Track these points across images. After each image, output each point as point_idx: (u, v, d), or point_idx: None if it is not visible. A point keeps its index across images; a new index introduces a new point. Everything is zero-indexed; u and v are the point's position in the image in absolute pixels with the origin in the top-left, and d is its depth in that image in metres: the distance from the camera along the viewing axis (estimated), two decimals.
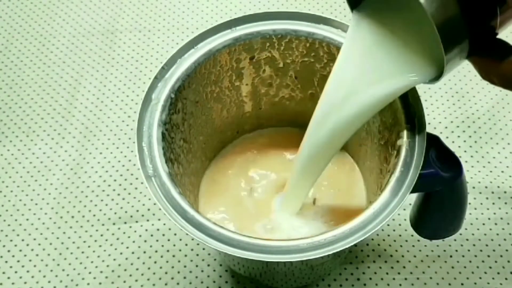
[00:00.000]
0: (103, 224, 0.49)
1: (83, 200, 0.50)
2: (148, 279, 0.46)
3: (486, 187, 0.50)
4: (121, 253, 0.47)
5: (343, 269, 0.46)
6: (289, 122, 0.47)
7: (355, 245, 0.33)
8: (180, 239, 0.48)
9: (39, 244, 0.48)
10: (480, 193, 0.49)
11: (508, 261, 0.46)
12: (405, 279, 0.46)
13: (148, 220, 0.49)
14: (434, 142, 0.36)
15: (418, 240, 0.47)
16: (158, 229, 0.48)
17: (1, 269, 0.47)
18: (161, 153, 0.36)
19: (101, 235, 0.48)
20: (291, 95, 0.45)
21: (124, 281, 0.46)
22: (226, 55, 0.40)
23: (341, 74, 0.35)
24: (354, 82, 0.34)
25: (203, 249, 0.47)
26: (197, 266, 0.47)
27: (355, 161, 0.45)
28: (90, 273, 0.47)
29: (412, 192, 0.34)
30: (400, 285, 0.46)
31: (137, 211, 0.49)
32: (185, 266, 0.47)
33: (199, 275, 0.46)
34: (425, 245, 0.47)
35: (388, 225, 0.48)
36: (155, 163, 0.36)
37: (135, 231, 0.48)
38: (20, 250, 0.48)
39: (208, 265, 0.47)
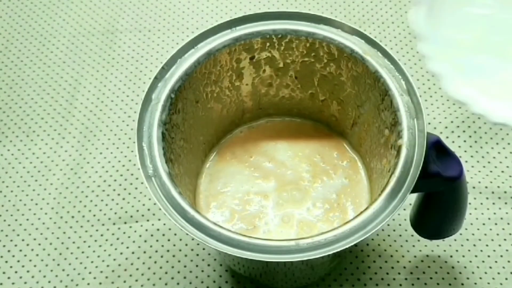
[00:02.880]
0: (103, 224, 0.49)
1: (83, 200, 0.50)
2: (148, 279, 0.46)
3: (486, 187, 0.50)
4: (121, 253, 0.47)
5: (343, 269, 0.46)
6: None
7: (355, 245, 0.33)
8: (180, 239, 0.48)
9: (39, 244, 0.48)
10: (480, 193, 0.49)
11: (508, 261, 0.46)
12: (406, 279, 0.46)
13: (148, 220, 0.49)
14: (434, 142, 0.36)
15: (419, 240, 0.47)
16: (158, 229, 0.48)
17: (1, 269, 0.47)
18: (161, 153, 0.36)
19: (101, 235, 0.48)
20: (291, 95, 0.45)
21: (124, 281, 0.46)
22: (226, 55, 0.40)
23: None
24: None
25: (203, 249, 0.47)
26: (197, 266, 0.47)
27: (360, 161, 0.45)
28: (90, 273, 0.47)
29: (412, 192, 0.34)
30: (401, 285, 0.45)
31: (137, 211, 0.49)
32: (185, 266, 0.47)
33: (199, 275, 0.46)
34: (426, 245, 0.47)
35: (388, 225, 0.48)
36: (155, 163, 0.36)
37: (135, 231, 0.48)
38: (20, 250, 0.48)
39: (208, 265, 0.47)
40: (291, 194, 0.43)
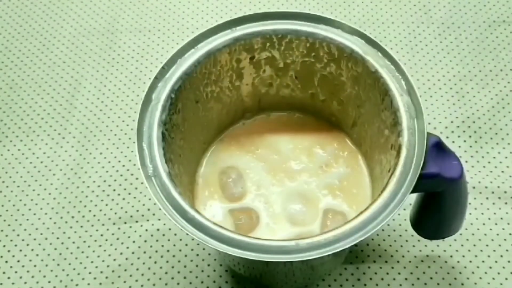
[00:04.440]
0: (103, 224, 0.49)
1: (83, 200, 0.50)
2: (148, 279, 0.46)
3: (486, 187, 0.50)
4: (121, 253, 0.47)
5: (343, 269, 0.46)
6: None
7: (356, 245, 0.33)
8: (180, 239, 0.48)
9: (39, 244, 0.48)
10: (480, 193, 0.49)
11: (508, 261, 0.46)
12: (406, 279, 0.46)
13: (148, 220, 0.49)
14: (434, 142, 0.36)
15: (419, 240, 0.47)
16: (158, 229, 0.48)
17: (1, 269, 0.47)
18: (161, 153, 0.36)
19: (101, 235, 0.48)
20: (291, 95, 0.45)
21: (125, 281, 0.46)
22: (226, 55, 0.40)
23: None
24: None
25: (203, 249, 0.47)
26: (197, 266, 0.47)
27: (360, 155, 0.45)
28: (90, 273, 0.47)
29: (412, 192, 0.34)
30: (401, 285, 0.45)
31: (137, 211, 0.49)
32: (185, 266, 0.47)
33: (199, 275, 0.46)
34: (426, 245, 0.47)
35: (388, 225, 0.48)
36: (155, 163, 0.36)
37: (135, 231, 0.48)
38: (20, 250, 0.48)
39: (208, 265, 0.47)
40: (293, 185, 0.43)
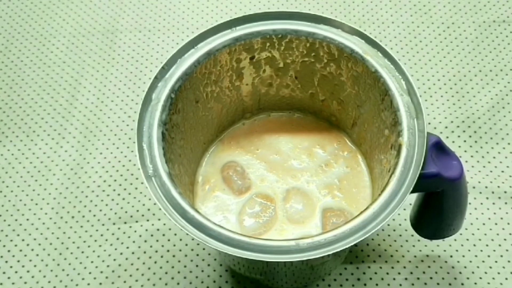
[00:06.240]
0: (103, 224, 0.49)
1: (83, 200, 0.50)
2: (148, 279, 0.46)
3: (486, 187, 0.50)
4: (121, 253, 0.47)
5: (343, 269, 0.46)
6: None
7: (356, 245, 0.33)
8: (180, 239, 0.48)
9: (39, 244, 0.48)
10: (480, 193, 0.49)
11: (508, 261, 0.46)
12: (406, 279, 0.46)
13: (148, 220, 0.49)
14: (434, 142, 0.36)
15: (419, 240, 0.47)
16: (158, 229, 0.48)
17: (1, 269, 0.47)
18: (161, 153, 0.36)
19: (101, 235, 0.48)
20: (291, 95, 0.45)
21: (125, 281, 0.46)
22: (226, 55, 0.40)
23: None
24: None
25: (203, 249, 0.47)
26: (197, 266, 0.47)
27: (360, 155, 0.45)
28: (90, 273, 0.47)
29: (412, 192, 0.34)
30: (401, 285, 0.46)
31: (137, 211, 0.49)
32: (185, 266, 0.47)
33: (199, 275, 0.46)
34: (426, 245, 0.47)
35: (388, 225, 0.48)
36: (155, 163, 0.36)
37: (135, 231, 0.48)
38: (20, 250, 0.48)
39: (208, 265, 0.47)
40: (295, 184, 0.43)
